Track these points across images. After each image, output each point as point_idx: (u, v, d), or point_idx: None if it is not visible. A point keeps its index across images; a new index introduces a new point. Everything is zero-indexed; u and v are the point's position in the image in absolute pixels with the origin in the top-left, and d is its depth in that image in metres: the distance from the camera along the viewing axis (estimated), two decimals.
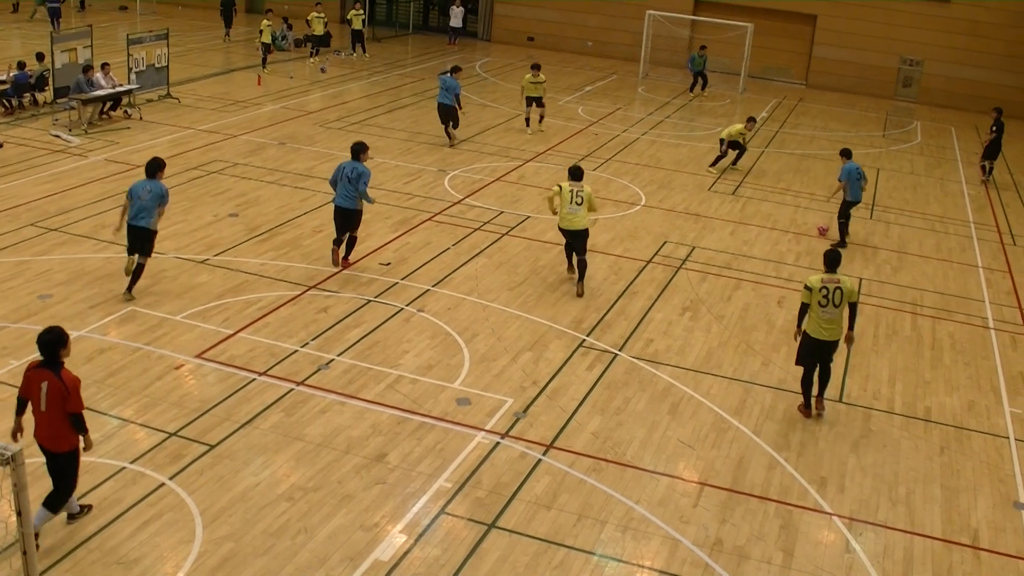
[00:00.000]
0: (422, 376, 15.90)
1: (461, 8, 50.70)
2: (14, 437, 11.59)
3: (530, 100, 32.84)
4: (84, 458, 11.58)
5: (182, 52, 40.18)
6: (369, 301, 18.49)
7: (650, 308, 19.42)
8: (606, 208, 25.05)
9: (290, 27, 45.34)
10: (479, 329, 17.81)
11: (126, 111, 30.45)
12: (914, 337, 19.31)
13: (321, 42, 43.19)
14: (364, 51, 44.66)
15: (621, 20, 48.65)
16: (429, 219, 23.13)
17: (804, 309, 15.46)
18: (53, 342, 11.15)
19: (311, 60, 42.26)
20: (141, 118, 30.19)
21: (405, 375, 15.87)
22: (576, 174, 19.84)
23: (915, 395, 16.94)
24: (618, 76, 45.40)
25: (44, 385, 11.11)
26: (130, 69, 31.77)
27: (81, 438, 11.37)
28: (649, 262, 21.78)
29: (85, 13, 50.77)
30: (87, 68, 29.56)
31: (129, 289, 17.86)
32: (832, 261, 15.60)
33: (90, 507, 12.15)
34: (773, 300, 20.34)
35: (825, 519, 13.24)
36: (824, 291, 15.21)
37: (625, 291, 20.11)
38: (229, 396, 14.80)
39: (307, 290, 18.71)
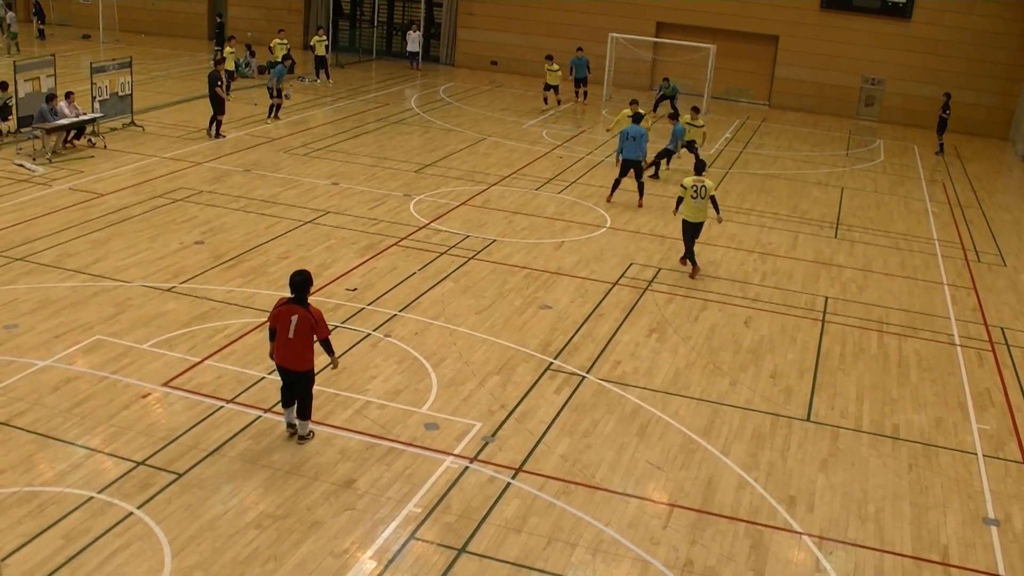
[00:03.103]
0: (390, 401, 15.85)
1: (418, 33, 50.82)
2: (272, 357, 14.28)
3: (548, 87, 42.32)
4: (50, 488, 11.57)
5: (145, 80, 40.04)
6: (336, 327, 18.43)
7: (617, 330, 19.44)
8: (571, 231, 25.12)
9: (253, 54, 45.33)
10: (446, 353, 17.79)
11: (90, 140, 30.30)
12: (880, 355, 19.40)
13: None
14: (328, 77, 44.69)
15: (584, 43, 48.70)
16: (395, 244, 23.11)
17: (679, 201, 22.49)
18: (303, 282, 13.91)
19: None
20: (105, 146, 30.06)
21: (373, 400, 15.83)
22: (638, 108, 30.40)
23: (883, 413, 17.01)
24: (582, 99, 45.54)
25: (294, 318, 13.75)
26: (94, 98, 31.68)
27: (330, 358, 14.25)
28: (615, 284, 21.82)
29: (46, 42, 50.58)
30: (50, 97, 29.44)
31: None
32: (699, 168, 22.82)
33: (312, 433, 14.65)
34: (740, 320, 20.40)
35: (795, 538, 13.26)
36: (695, 188, 22.18)
37: (592, 313, 20.13)
38: (196, 424, 14.72)
39: None
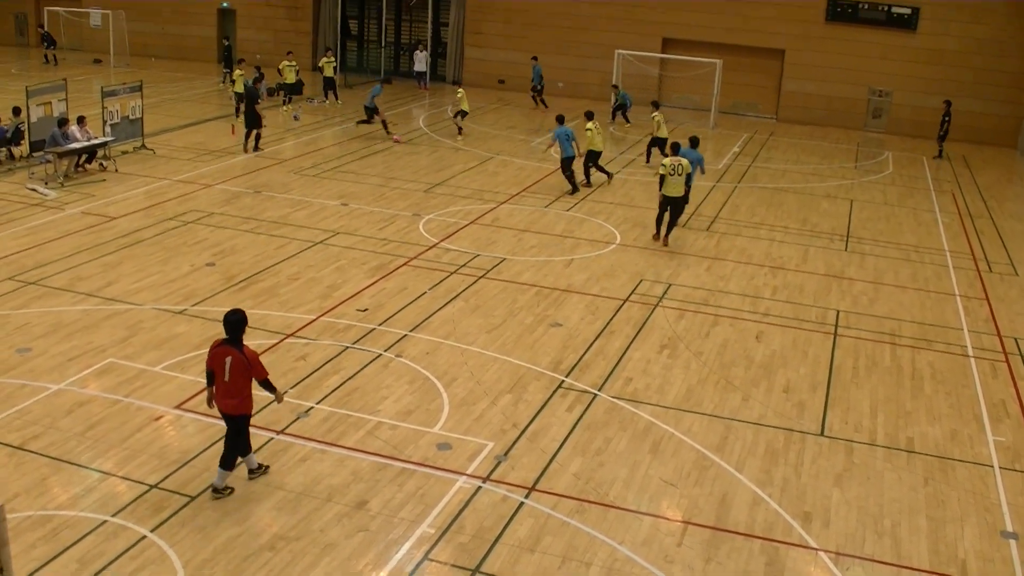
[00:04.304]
0: (402, 422, 15.85)
1: (425, 52, 51.02)
2: (209, 404, 13.62)
3: (458, 113, 40.13)
4: (64, 512, 11.56)
5: (156, 103, 40.21)
6: (347, 348, 18.45)
7: (628, 347, 19.42)
8: (581, 248, 25.13)
9: (262, 76, 45.41)
10: (458, 373, 17.78)
11: (101, 163, 30.42)
12: (894, 368, 19.35)
13: (293, 90, 43.38)
14: (336, 98, 44.78)
15: (591, 60, 48.94)
16: (405, 264, 23.12)
17: (663, 179, 25.24)
18: (237, 322, 13.13)
19: (284, 108, 42.37)
20: (117, 170, 30.16)
21: (385, 421, 15.82)
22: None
23: (897, 426, 16.95)
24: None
25: (228, 360, 13.04)
26: (105, 121, 31.82)
27: (273, 396, 13.66)
28: (626, 301, 21.81)
29: (58, 67, 50.82)
30: (62, 121, 29.56)
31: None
32: (675, 149, 25.98)
33: (267, 467, 14.18)
34: (751, 335, 20.36)
35: (811, 555, 13.21)
36: (673, 167, 25.09)
37: (603, 331, 20.11)
38: (209, 446, 14.71)
39: (285, 338, 18.66)
